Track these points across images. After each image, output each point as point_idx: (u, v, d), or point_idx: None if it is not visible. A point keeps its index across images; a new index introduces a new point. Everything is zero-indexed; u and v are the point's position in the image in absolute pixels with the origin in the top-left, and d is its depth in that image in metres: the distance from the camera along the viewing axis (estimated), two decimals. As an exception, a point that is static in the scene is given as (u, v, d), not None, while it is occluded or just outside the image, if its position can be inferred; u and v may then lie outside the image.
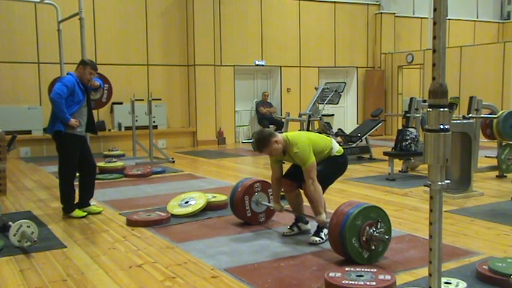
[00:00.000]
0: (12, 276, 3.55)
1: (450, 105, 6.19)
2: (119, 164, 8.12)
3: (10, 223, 4.23)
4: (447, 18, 2.17)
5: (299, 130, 9.22)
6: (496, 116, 6.95)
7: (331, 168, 4.25)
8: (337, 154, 4.28)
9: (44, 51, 10.61)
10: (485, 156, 7.79)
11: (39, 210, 5.57)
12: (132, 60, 11.71)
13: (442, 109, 2.16)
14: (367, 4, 14.51)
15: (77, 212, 5.22)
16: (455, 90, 12.18)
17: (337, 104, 10.10)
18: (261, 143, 4.10)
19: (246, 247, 4.13)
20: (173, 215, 5.08)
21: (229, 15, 12.56)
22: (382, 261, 3.68)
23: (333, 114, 13.72)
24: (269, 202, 4.79)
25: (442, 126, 2.16)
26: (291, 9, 13.40)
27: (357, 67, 14.48)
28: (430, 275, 2.26)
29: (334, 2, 13.99)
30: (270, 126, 11.24)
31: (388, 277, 3.10)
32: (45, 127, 5.79)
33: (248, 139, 12.16)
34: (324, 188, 4.20)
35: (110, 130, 11.37)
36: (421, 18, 15.30)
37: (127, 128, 11.14)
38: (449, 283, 3.12)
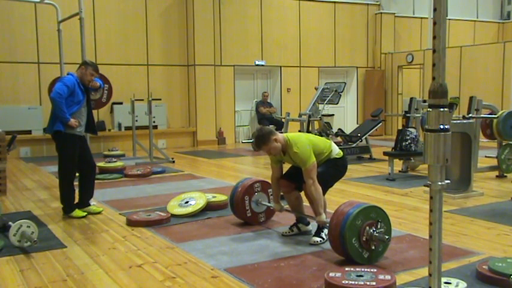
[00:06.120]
0: (12, 276, 3.55)
1: (450, 105, 6.19)
2: (119, 164, 8.12)
3: (10, 223, 4.23)
4: (447, 18, 2.17)
5: (299, 130, 9.23)
6: (496, 116, 6.95)
7: (331, 170, 4.24)
8: (336, 156, 4.27)
9: (44, 51, 10.61)
10: (485, 156, 7.79)
11: (39, 210, 5.56)
12: (132, 60, 11.71)
13: (442, 109, 2.16)
14: (367, 4, 14.51)
15: (77, 212, 5.22)
16: (455, 90, 12.18)
17: (337, 104, 10.11)
18: (260, 140, 4.09)
19: (246, 247, 4.13)
20: (173, 215, 5.08)
21: (229, 15, 12.56)
22: (382, 261, 3.68)
23: (333, 114, 13.72)
24: (269, 202, 4.79)
25: (442, 126, 2.16)
26: (291, 9, 13.41)
27: (357, 67, 14.48)
28: (430, 275, 2.26)
29: (334, 2, 14.00)
30: (270, 126, 11.23)
31: (388, 277, 3.10)
32: (45, 127, 5.79)
33: (248, 139, 12.16)
34: (324, 191, 4.19)
35: (110, 130, 11.37)
36: (421, 18, 15.30)
37: (127, 128, 11.14)
38: (449, 283, 3.12)
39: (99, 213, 5.34)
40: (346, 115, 14.73)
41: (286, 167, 4.41)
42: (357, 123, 13.30)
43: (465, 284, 3.13)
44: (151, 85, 11.81)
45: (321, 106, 9.65)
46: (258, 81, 13.61)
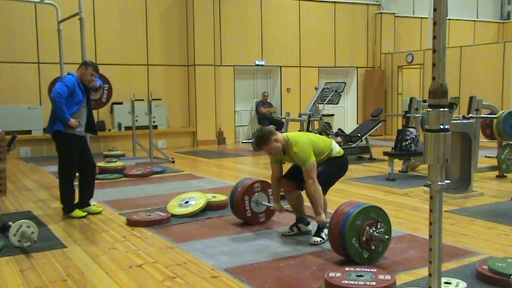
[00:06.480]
0: (12, 276, 3.55)
1: (450, 105, 6.19)
2: (119, 164, 8.12)
3: (10, 223, 4.23)
4: (447, 18, 2.17)
5: (299, 130, 9.23)
6: (496, 116, 6.95)
7: (331, 169, 4.24)
8: (337, 155, 4.27)
9: (44, 51, 10.61)
10: (485, 156, 7.79)
11: (39, 210, 5.57)
12: (132, 60, 11.71)
13: (442, 109, 2.16)
14: (367, 4, 14.51)
15: (77, 212, 5.22)
16: (455, 90, 12.18)
17: (337, 104, 10.10)
18: (260, 141, 4.09)
19: (246, 247, 4.13)
20: (173, 215, 5.08)
21: (229, 15, 12.56)
22: (382, 261, 3.68)
23: (333, 114, 13.72)
24: (269, 202, 4.78)
25: (442, 126, 2.16)
26: (291, 9, 13.41)
27: (357, 67, 14.48)
28: (430, 275, 2.26)
29: (334, 2, 13.99)
30: (270, 126, 11.23)
31: (388, 277, 3.10)
32: (45, 127, 5.80)
33: (248, 139, 12.17)
34: (325, 190, 4.20)
35: (110, 130, 11.37)
36: (421, 18, 15.30)
37: (127, 128, 11.14)
38: (449, 283, 3.13)
39: (99, 213, 5.34)
40: (346, 115, 14.73)
41: (287, 166, 4.41)
42: (357, 123, 13.30)
43: (465, 284, 3.13)
44: (151, 85, 11.81)
45: (321, 106, 9.65)
46: (258, 81, 13.61)
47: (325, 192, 4.19)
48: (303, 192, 4.33)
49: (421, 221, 4.87)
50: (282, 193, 4.48)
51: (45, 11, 10.27)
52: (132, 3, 11.67)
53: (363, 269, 3.24)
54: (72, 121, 5.01)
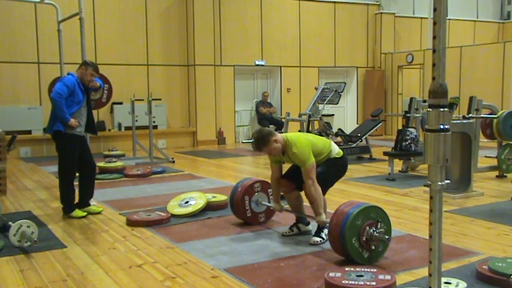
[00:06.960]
0: (12, 276, 3.55)
1: (450, 105, 6.19)
2: (119, 164, 8.12)
3: (10, 223, 4.23)
4: (447, 18, 2.17)
5: (299, 130, 9.23)
6: (496, 116, 6.95)
7: (331, 170, 4.24)
8: (336, 156, 4.27)
9: (44, 51, 10.61)
10: (485, 156, 7.78)
11: (39, 210, 5.57)
12: (132, 60, 11.71)
13: (442, 109, 2.16)
14: (367, 4, 14.51)
15: (77, 212, 5.22)
16: (455, 90, 12.18)
17: (337, 104, 10.10)
18: (260, 142, 4.09)
19: (246, 247, 4.13)
20: (173, 215, 5.08)
21: (229, 15, 12.56)
22: (382, 261, 3.68)
23: (333, 114, 13.72)
24: (269, 202, 4.79)
25: (442, 126, 2.16)
26: (291, 9, 13.41)
27: (357, 67, 14.48)
28: (430, 275, 2.26)
29: (334, 2, 13.99)
30: (270, 126, 11.24)
31: (388, 277, 3.10)
32: (45, 127, 5.80)
33: (248, 139, 12.16)
34: (324, 190, 4.19)
35: (110, 130, 11.37)
36: (421, 18, 15.30)
37: (127, 128, 11.14)
38: (449, 283, 3.13)
39: (99, 213, 5.34)
40: (346, 115, 14.73)
41: (286, 166, 4.41)
42: (357, 123, 13.30)
43: (465, 284, 3.13)
44: (151, 85, 11.81)
45: (321, 106, 9.65)
46: (258, 81, 13.61)
47: (324, 192, 4.18)
48: (302, 193, 4.33)
49: (421, 221, 4.87)
50: (282, 193, 4.48)
51: (45, 11, 10.26)
52: (132, 3, 11.67)
53: (363, 269, 3.24)
54: (72, 121, 5.01)
